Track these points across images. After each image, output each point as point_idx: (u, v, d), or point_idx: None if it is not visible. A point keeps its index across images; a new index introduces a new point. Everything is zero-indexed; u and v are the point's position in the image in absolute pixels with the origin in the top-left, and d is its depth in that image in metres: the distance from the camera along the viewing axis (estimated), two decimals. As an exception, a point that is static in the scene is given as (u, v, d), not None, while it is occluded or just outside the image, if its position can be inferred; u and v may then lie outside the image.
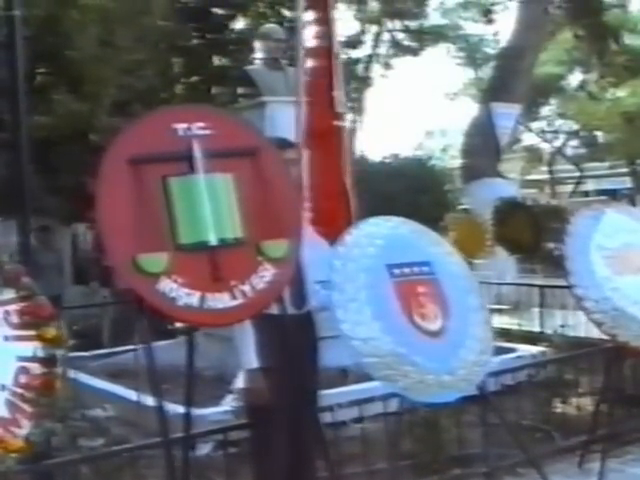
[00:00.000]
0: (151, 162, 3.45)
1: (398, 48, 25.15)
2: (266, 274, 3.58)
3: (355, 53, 22.41)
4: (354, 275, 4.05)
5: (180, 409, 4.05)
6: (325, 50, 4.61)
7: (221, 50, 14.94)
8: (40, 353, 3.05)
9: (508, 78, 15.00)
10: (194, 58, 14.41)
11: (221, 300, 3.45)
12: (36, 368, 3.02)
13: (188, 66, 14.63)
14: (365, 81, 23.91)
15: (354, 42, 21.02)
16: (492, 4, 21.62)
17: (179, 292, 3.37)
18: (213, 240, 3.47)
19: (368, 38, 24.67)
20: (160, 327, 6.37)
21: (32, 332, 3.07)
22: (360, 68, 23.14)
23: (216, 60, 15.25)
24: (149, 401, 4.87)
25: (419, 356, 4.00)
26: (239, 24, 16.38)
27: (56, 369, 3.03)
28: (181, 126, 3.56)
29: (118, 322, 9.57)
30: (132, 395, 5.78)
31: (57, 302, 10.29)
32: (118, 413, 5.91)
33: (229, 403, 5.45)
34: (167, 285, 3.36)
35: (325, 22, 4.49)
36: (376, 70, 25.20)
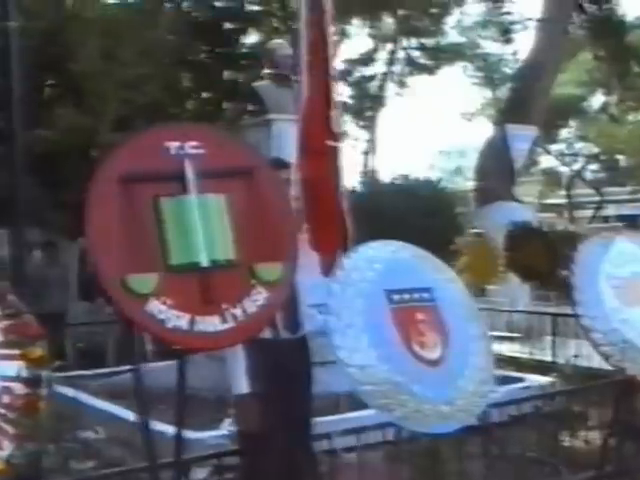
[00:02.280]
0: (142, 181, 3.45)
1: (414, 66, 25.25)
2: (259, 298, 3.59)
3: (368, 71, 22.55)
4: (352, 300, 4.04)
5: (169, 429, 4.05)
6: (322, 67, 4.63)
7: (232, 65, 15.05)
8: (24, 373, 3.06)
9: (525, 99, 15.03)
10: (204, 73, 14.50)
11: (211, 323, 3.45)
12: (19, 388, 3.03)
13: (198, 81, 14.72)
14: (379, 99, 24.00)
15: (366, 60, 21.12)
16: (511, 23, 21.67)
17: (168, 314, 3.38)
18: (204, 262, 3.48)
19: (383, 56, 24.81)
20: (163, 347, 6.39)
21: (17, 351, 3.08)
22: (373, 86, 23.24)
23: (227, 75, 15.37)
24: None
25: (417, 385, 3.99)
26: (252, 39, 16.53)
27: (40, 390, 3.04)
28: (174, 145, 3.57)
29: (123, 340, 9.61)
30: (131, 416, 5.79)
31: (61, 318, 10.37)
32: (115, 434, 5.92)
33: (227, 427, 5.46)
34: (156, 306, 3.37)
35: (322, 38, 4.51)
36: (391, 88, 25.33)
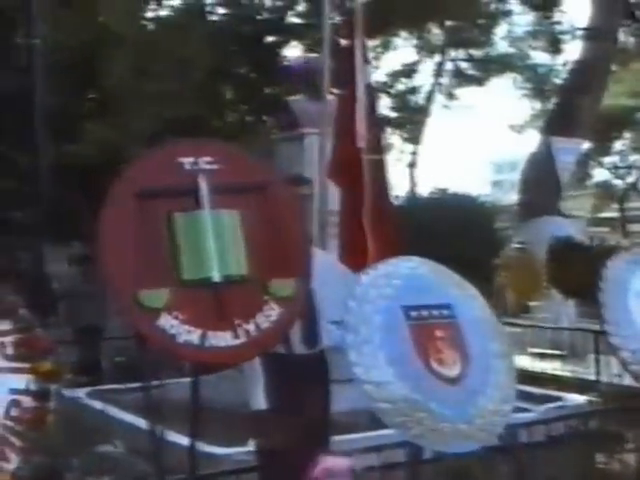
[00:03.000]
0: (156, 197, 3.54)
1: (462, 78, 25.15)
2: (272, 313, 3.63)
3: (412, 82, 22.51)
4: (369, 317, 4.05)
5: (205, 447, 4.10)
6: (352, 81, 4.66)
7: (273, 78, 15.16)
8: (33, 387, 3.14)
9: (572, 111, 14.89)
10: (245, 86, 14.59)
11: (223, 338, 3.51)
12: (28, 402, 3.10)
13: (238, 94, 14.81)
14: (423, 111, 23.95)
15: (409, 71, 21.09)
16: (561, 33, 21.50)
17: (180, 329, 3.44)
18: (217, 277, 3.55)
19: (430, 67, 24.77)
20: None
21: (26, 365, 3.16)
22: (417, 98, 23.18)
23: (268, 89, 15.48)
24: (172, 437, 4.97)
25: (434, 403, 3.98)
26: (293, 51, 16.64)
27: (48, 404, 3.11)
28: (187, 160, 3.65)
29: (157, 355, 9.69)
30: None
31: (99, 332, 10.52)
32: (139, 448, 5.98)
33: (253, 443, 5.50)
34: (167, 321, 3.43)
35: (351, 51, 4.54)
36: (438, 100, 25.26)
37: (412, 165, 24.44)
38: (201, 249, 3.56)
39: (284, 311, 3.65)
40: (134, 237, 3.45)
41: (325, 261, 4.47)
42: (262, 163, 3.89)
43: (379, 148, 4.76)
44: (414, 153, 24.41)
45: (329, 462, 3.39)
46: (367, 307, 4.09)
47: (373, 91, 4.75)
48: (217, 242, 3.59)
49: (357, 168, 4.69)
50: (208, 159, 3.69)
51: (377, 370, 3.95)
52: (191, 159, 3.66)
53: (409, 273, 4.32)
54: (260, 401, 3.95)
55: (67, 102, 11.02)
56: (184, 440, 4.49)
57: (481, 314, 4.41)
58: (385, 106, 23.01)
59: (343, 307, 4.05)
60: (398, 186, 22.63)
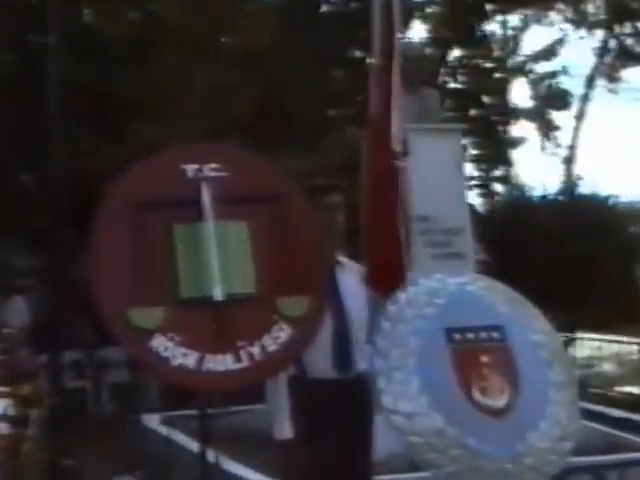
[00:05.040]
0: (154, 207, 3.45)
1: (628, 56, 23.39)
2: (281, 335, 3.48)
3: (552, 66, 21.56)
4: (403, 339, 3.80)
5: (253, 476, 3.98)
6: (387, 77, 4.38)
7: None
8: (11, 411, 3.07)
9: None
10: (313, 78, 13.83)
11: (223, 362, 3.38)
12: (4, 428, 3.04)
13: (308, 88, 14.00)
14: (582, 97, 22.85)
15: (547, 53, 20.20)
16: None
17: (174, 351, 3.33)
18: (219, 295, 3.42)
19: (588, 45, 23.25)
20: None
21: (6, 388, 3.10)
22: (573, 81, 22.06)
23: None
24: (226, 464, 4.88)
25: (474, 438, 3.69)
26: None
27: (26, 430, 3.04)
28: (191, 167, 3.55)
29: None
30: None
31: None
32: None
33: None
34: (161, 343, 3.33)
35: (389, 44, 4.25)
36: (600, 83, 23.87)
37: (569, 160, 23.26)
38: (202, 264, 3.43)
39: (295, 332, 3.50)
40: (128, 251, 3.37)
41: (357, 273, 4.24)
42: (275, 171, 3.70)
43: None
44: (572, 147, 23.32)
45: None
46: (402, 328, 3.84)
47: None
48: (221, 256, 3.46)
49: (392, 175, 4.40)
50: (214, 166, 3.57)
51: (408, 399, 3.69)
52: (195, 166, 3.56)
53: (456, 290, 4.04)
54: (285, 429, 3.77)
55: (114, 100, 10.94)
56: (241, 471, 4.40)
57: (539, 338, 4.07)
58: (534, 91, 22.26)
59: (375, 328, 3.83)
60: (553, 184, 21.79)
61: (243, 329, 3.41)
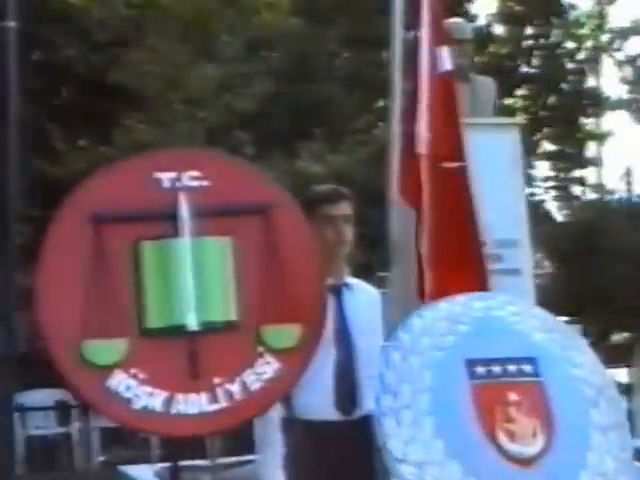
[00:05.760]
0: (120, 221, 3.04)
1: None
2: (267, 370, 3.05)
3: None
4: (416, 373, 3.33)
5: None
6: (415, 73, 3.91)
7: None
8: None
9: None
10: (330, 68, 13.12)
11: (197, 403, 2.97)
12: None
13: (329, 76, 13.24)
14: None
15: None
16: None
17: (137, 391, 2.93)
18: (193, 324, 3.00)
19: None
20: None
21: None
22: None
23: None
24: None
25: (498, 491, 3.20)
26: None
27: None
28: (167, 176, 3.13)
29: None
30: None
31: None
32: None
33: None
34: (122, 381, 2.93)
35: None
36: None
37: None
38: (174, 288, 3.01)
39: (283, 367, 3.05)
40: (84, 272, 2.95)
41: (369, 297, 3.78)
42: (264, 179, 3.25)
43: (459, 154, 3.95)
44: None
45: None
46: (415, 360, 3.37)
47: (452, 79, 3.92)
48: (197, 278, 3.04)
49: (448, 182, 3.94)
50: (194, 174, 3.15)
51: (420, 444, 3.21)
52: (172, 174, 3.13)
53: (482, 317, 3.54)
54: (277, 477, 3.34)
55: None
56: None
57: (582, 372, 3.54)
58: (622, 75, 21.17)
59: (382, 360, 3.36)
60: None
61: (221, 363, 2.98)
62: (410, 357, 3.39)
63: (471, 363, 3.41)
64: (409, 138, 3.80)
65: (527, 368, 3.47)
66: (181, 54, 10.17)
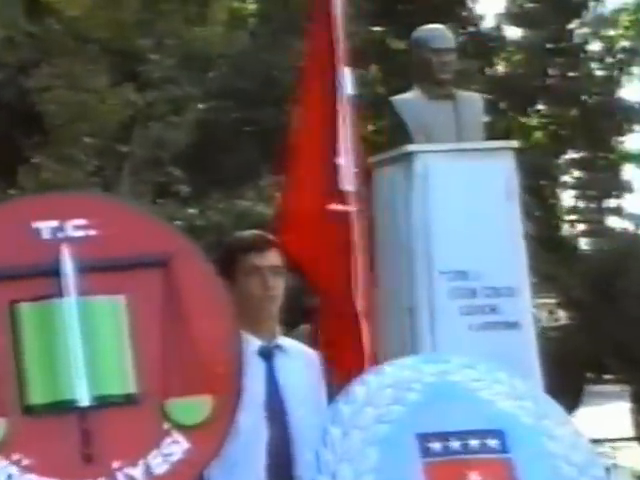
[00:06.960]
0: (-8, 280, 3.32)
1: None
2: (174, 450, 3.24)
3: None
4: (358, 452, 3.65)
5: None
6: (328, 80, 4.37)
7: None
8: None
9: None
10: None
11: (92, 492, 3.23)
12: None
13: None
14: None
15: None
16: None
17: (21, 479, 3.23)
18: (84, 399, 3.20)
19: None
20: None
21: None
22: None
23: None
24: None
25: None
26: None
27: None
28: (47, 225, 3.34)
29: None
30: None
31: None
32: None
33: None
34: (1, 469, 3.17)
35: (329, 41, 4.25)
36: None
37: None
38: (60, 357, 3.18)
39: (194, 446, 3.26)
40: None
41: (307, 360, 4.15)
42: (166, 225, 3.65)
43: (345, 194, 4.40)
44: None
45: None
46: (356, 436, 3.62)
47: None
48: (88, 345, 3.23)
49: (330, 224, 4.40)
50: (80, 222, 3.37)
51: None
52: (53, 223, 3.38)
53: (436, 383, 3.85)
54: None
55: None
56: None
57: (559, 447, 3.91)
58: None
59: (320, 437, 3.75)
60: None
61: (120, 444, 3.15)
62: (351, 432, 3.71)
63: (423, 438, 3.64)
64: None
65: (492, 443, 3.73)
66: (97, 77, 10.46)
